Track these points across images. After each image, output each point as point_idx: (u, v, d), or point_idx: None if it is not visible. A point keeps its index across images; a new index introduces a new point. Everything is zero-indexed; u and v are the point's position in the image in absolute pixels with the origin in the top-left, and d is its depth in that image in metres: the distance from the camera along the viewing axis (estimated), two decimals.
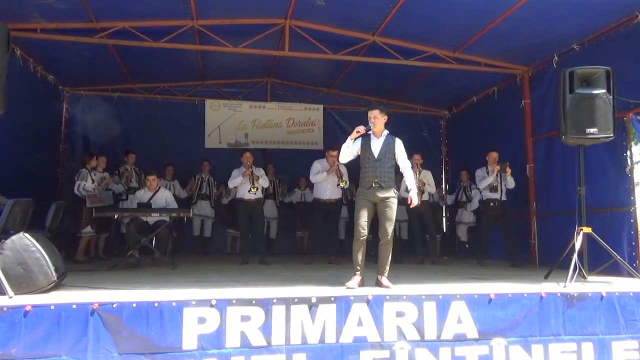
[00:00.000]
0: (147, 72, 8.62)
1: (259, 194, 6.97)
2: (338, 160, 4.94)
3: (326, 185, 6.89)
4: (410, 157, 7.29)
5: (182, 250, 8.33)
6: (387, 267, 4.30)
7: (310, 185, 8.26)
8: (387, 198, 4.35)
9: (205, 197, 8.63)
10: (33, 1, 5.74)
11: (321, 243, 7.46)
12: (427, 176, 7.37)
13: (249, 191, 6.70)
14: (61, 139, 8.70)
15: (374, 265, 4.52)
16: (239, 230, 7.15)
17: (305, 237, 9.10)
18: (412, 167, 7.20)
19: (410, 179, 4.63)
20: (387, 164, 4.42)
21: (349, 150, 4.51)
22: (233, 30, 6.90)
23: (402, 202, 8.04)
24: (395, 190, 4.45)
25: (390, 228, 4.34)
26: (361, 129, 4.38)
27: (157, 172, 7.08)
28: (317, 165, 6.92)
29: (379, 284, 4.22)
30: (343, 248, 8.72)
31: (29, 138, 7.06)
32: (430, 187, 7.39)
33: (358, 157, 4.56)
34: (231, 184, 6.91)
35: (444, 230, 9.47)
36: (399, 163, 4.54)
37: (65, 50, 7.04)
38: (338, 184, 6.81)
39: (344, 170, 6.76)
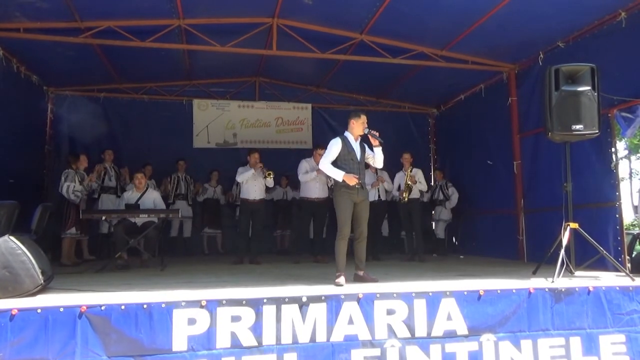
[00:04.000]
0: (133, 72, 8.54)
1: (263, 195, 6.98)
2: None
3: (315, 183, 6.89)
4: (400, 156, 7.43)
5: (163, 251, 8.27)
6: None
7: (292, 184, 8.25)
8: (366, 198, 4.61)
9: (182, 197, 8.54)
10: (14, 0, 5.64)
11: (304, 242, 7.42)
12: (418, 174, 7.44)
13: (264, 177, 6.72)
14: (46, 140, 8.58)
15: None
16: (240, 229, 7.09)
17: (285, 236, 9.08)
18: (404, 166, 7.35)
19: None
20: (363, 166, 4.67)
21: (331, 159, 4.62)
22: (220, 29, 6.86)
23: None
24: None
25: (366, 226, 4.59)
26: (354, 181, 4.48)
27: (142, 171, 7.01)
28: (305, 165, 6.92)
29: (362, 279, 4.32)
30: (324, 247, 8.74)
31: (12, 139, 6.95)
32: (422, 185, 7.46)
33: None
34: (240, 178, 6.80)
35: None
36: (377, 160, 4.72)
37: (49, 50, 6.95)
38: (329, 178, 6.73)
39: None
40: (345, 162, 4.56)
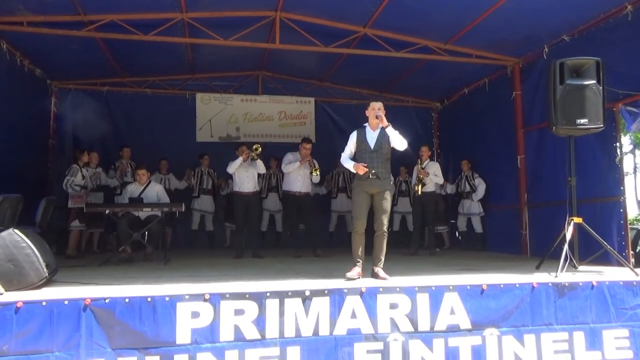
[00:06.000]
0: (136, 66, 8.53)
1: (256, 187, 6.99)
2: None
3: (297, 177, 6.88)
4: (418, 150, 7.32)
5: (181, 244, 8.31)
6: (383, 258, 4.35)
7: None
8: (384, 190, 4.42)
9: (207, 192, 8.59)
10: None
11: (307, 236, 7.43)
12: (434, 167, 7.39)
13: (252, 151, 6.69)
14: (50, 134, 8.59)
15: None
16: (235, 223, 7.12)
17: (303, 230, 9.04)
18: (420, 159, 7.28)
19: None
20: (383, 156, 4.47)
21: (348, 153, 4.60)
22: (223, 22, 6.83)
23: (407, 193, 8.09)
24: (392, 182, 4.52)
25: (385, 220, 4.40)
26: (362, 170, 4.39)
27: (149, 166, 7.04)
28: (290, 156, 6.92)
29: (374, 275, 4.26)
30: (333, 240, 8.74)
31: (16, 133, 6.97)
32: (438, 178, 7.38)
33: None
34: (230, 168, 6.84)
35: (449, 221, 9.10)
36: (394, 142, 4.44)
37: (53, 44, 6.94)
38: (311, 172, 6.75)
39: (316, 164, 6.81)
40: (360, 153, 4.53)
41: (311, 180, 6.99)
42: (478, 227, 8.25)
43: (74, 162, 7.07)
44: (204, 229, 8.71)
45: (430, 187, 7.33)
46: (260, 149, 6.75)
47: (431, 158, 7.58)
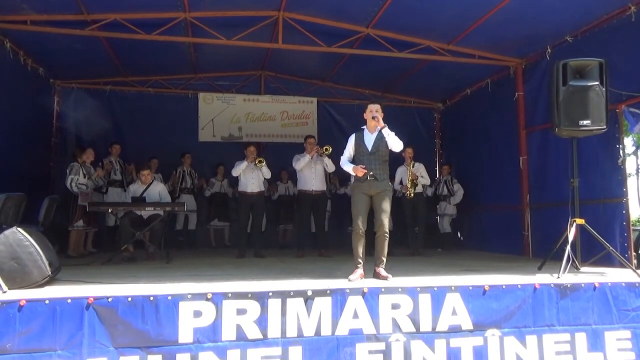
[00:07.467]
0: (139, 65, 8.54)
1: (261, 187, 7.03)
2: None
3: (311, 174, 6.89)
4: (402, 151, 7.38)
5: (168, 245, 8.31)
6: (384, 259, 4.36)
7: (293, 178, 8.22)
8: (383, 190, 4.44)
9: (188, 191, 8.58)
10: None
11: (310, 236, 7.44)
12: (421, 169, 7.46)
13: (255, 164, 6.73)
14: (53, 132, 8.61)
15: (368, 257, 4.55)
16: (239, 223, 7.12)
17: (287, 230, 9.11)
18: (405, 161, 7.35)
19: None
20: (380, 158, 4.49)
21: (347, 156, 4.63)
22: (226, 22, 6.84)
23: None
24: (389, 183, 4.56)
25: (386, 220, 4.41)
26: (360, 172, 4.41)
27: (143, 165, 7.03)
28: (297, 156, 6.99)
29: (377, 275, 4.27)
30: (327, 241, 8.74)
31: (19, 132, 6.98)
32: (425, 180, 7.49)
33: None
34: (235, 172, 6.89)
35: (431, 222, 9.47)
36: (390, 144, 4.43)
37: (56, 43, 6.95)
38: (322, 154, 6.75)
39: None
40: (359, 155, 4.54)
41: (326, 172, 6.98)
42: (447, 227, 8.68)
43: (74, 160, 7.07)
44: (186, 229, 8.69)
45: (418, 189, 7.42)
46: (262, 163, 6.78)
47: (428, 159, 7.66)
